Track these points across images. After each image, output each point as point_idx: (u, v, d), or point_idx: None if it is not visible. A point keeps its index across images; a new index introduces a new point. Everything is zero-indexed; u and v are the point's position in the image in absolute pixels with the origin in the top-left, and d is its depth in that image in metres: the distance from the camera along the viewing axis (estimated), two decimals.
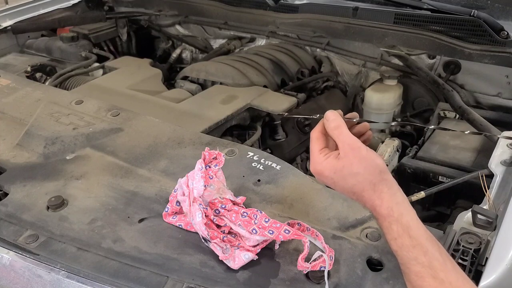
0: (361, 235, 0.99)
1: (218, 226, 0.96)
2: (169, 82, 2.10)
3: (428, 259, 0.76)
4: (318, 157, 0.86)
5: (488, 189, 1.10)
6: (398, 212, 0.80)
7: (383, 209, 0.81)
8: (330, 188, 0.92)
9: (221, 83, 1.88)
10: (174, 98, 1.76)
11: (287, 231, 0.90)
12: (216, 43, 2.49)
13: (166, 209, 1.05)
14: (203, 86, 1.94)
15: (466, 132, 1.04)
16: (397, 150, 1.62)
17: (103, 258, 0.96)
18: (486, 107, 1.87)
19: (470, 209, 1.00)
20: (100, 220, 1.05)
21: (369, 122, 0.97)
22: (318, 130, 0.89)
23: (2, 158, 1.31)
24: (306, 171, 1.84)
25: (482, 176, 1.13)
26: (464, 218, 1.02)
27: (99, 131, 1.37)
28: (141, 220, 1.05)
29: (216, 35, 2.45)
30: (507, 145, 1.24)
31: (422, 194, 1.21)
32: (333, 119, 0.86)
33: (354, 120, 0.92)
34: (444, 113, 1.79)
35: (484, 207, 1.05)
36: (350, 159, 0.82)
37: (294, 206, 1.08)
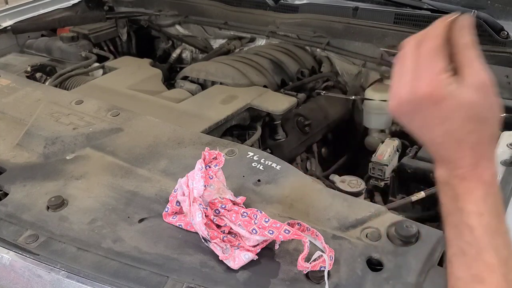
0: (361, 235, 0.99)
1: (218, 226, 0.96)
2: (169, 82, 2.10)
3: (509, 254, 0.62)
4: (442, 78, 0.60)
5: None
6: (497, 185, 0.64)
7: (488, 174, 0.63)
8: (410, 124, 0.66)
9: (221, 83, 1.88)
10: (174, 98, 1.76)
11: (287, 231, 0.90)
12: (216, 43, 2.48)
13: (166, 209, 1.05)
14: (203, 86, 1.93)
15: None
16: (397, 150, 1.62)
17: (103, 258, 0.96)
18: None
19: None
20: (100, 220, 1.05)
21: None
22: (439, 38, 0.61)
23: (2, 158, 1.31)
24: (306, 171, 1.84)
25: None
26: None
27: (99, 131, 1.37)
28: (141, 220, 1.05)
29: (216, 35, 2.45)
30: (507, 145, 1.24)
31: (422, 194, 1.21)
32: (468, 32, 0.61)
33: None
34: None
35: None
36: (482, 99, 0.61)
37: (294, 206, 1.08)
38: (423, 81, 0.61)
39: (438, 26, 0.63)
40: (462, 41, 0.62)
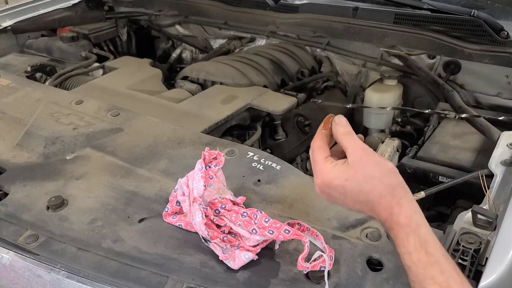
0: (361, 235, 0.99)
1: (218, 226, 0.96)
2: (169, 82, 2.10)
3: (446, 278, 0.70)
4: (325, 166, 0.79)
5: (488, 189, 1.10)
6: (416, 222, 0.74)
7: (402, 218, 0.74)
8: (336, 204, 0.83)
9: (221, 83, 1.88)
10: (174, 98, 1.76)
11: (287, 231, 0.90)
12: (216, 43, 2.48)
13: (166, 209, 1.05)
14: (203, 86, 1.94)
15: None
16: (397, 150, 1.62)
17: (103, 258, 0.96)
18: (486, 107, 1.87)
19: (470, 209, 1.00)
20: (100, 220, 1.05)
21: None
22: (319, 139, 0.83)
23: (2, 158, 1.31)
24: (306, 171, 1.84)
25: (482, 176, 1.13)
26: (464, 218, 1.02)
27: (99, 131, 1.37)
28: (141, 220, 1.05)
29: (216, 35, 2.45)
30: (507, 145, 1.24)
31: (422, 194, 1.21)
32: (343, 124, 0.81)
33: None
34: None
35: (484, 207, 1.05)
36: (363, 163, 0.76)
37: (294, 206, 1.08)
38: (315, 173, 0.81)
39: (317, 132, 0.84)
40: (339, 132, 0.81)
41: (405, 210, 0.75)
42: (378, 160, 0.77)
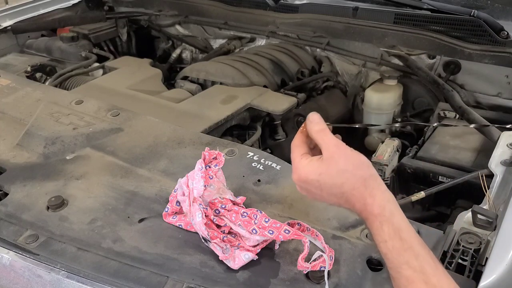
0: (361, 235, 0.99)
1: (218, 226, 0.96)
2: (169, 82, 2.10)
3: (420, 263, 0.73)
4: (300, 162, 0.82)
5: (488, 189, 1.10)
6: (390, 211, 0.76)
7: (375, 208, 0.77)
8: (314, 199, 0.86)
9: (221, 83, 1.88)
10: (174, 98, 1.76)
11: (287, 231, 0.90)
12: (216, 43, 2.49)
13: (166, 209, 1.05)
14: (203, 86, 1.94)
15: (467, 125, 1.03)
16: (397, 150, 1.62)
17: (103, 258, 0.96)
18: (486, 107, 1.87)
19: (470, 209, 1.00)
20: (100, 220, 1.05)
21: (350, 126, 0.97)
22: (297, 138, 0.87)
23: (2, 158, 1.31)
24: None
25: (482, 176, 1.13)
26: (464, 218, 1.02)
27: (99, 131, 1.37)
28: (141, 220, 1.05)
29: (216, 35, 2.46)
30: (507, 145, 1.24)
31: (422, 194, 1.21)
32: (317, 122, 0.83)
33: (329, 124, 0.87)
34: (444, 113, 1.79)
35: (484, 207, 1.05)
36: (336, 158, 0.79)
37: (294, 206, 1.08)
38: (293, 170, 0.83)
39: (298, 132, 0.87)
40: (313, 130, 0.83)
41: (378, 200, 0.77)
42: (351, 154, 0.80)
